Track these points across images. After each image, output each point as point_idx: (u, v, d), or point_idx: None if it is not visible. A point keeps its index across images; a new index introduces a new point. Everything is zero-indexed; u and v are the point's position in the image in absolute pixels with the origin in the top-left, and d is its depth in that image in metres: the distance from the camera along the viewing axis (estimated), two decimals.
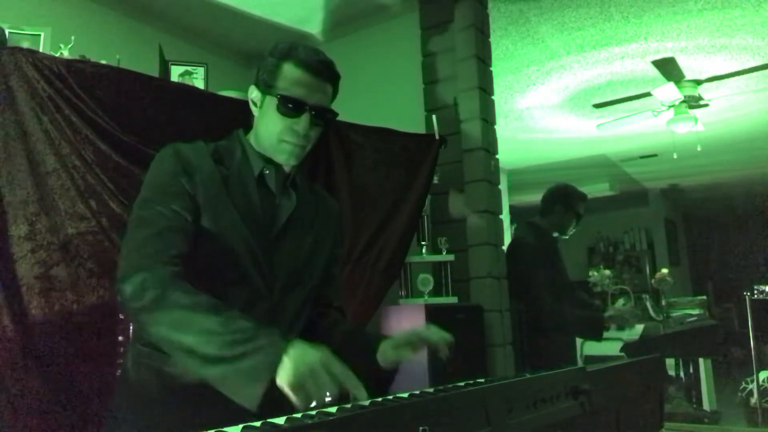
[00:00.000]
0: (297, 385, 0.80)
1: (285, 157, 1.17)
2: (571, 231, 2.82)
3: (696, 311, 4.55)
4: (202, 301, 0.96)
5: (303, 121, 1.13)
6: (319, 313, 1.30)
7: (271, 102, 1.14)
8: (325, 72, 1.15)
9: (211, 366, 0.89)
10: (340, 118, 1.27)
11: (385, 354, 1.13)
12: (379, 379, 1.12)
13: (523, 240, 2.81)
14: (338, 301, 1.36)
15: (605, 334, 2.69)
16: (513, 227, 5.87)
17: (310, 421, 0.60)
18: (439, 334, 1.12)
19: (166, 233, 1.04)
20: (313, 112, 1.14)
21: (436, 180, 2.54)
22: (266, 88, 1.16)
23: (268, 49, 1.18)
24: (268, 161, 1.19)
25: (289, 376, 0.81)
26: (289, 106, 1.12)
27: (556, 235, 2.81)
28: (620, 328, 2.83)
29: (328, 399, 0.76)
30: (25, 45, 1.72)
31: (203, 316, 0.92)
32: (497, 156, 2.83)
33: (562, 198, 2.79)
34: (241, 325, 0.91)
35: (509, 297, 2.69)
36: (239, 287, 1.11)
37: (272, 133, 1.15)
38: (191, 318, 0.93)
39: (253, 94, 1.20)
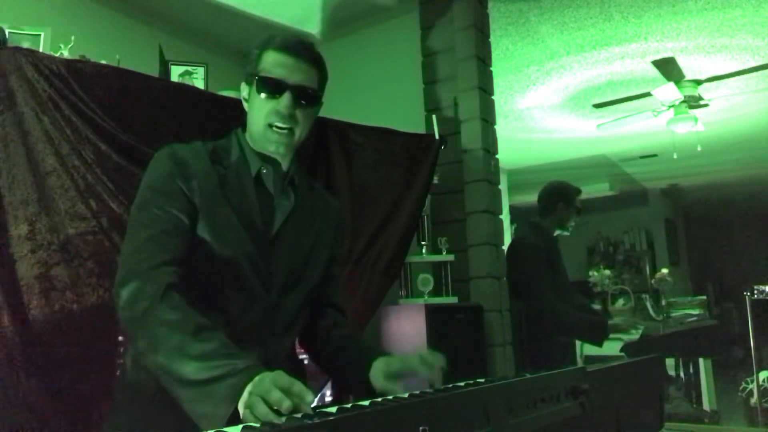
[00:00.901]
0: (248, 411, 0.80)
1: (274, 145, 1.16)
2: (573, 225, 2.85)
3: (696, 311, 4.55)
4: (184, 320, 0.94)
5: (285, 100, 1.13)
6: (319, 313, 1.30)
7: (254, 88, 1.16)
8: (302, 51, 1.16)
9: (180, 387, 0.88)
10: (340, 118, 1.28)
11: (375, 379, 1.12)
12: (370, 395, 1.12)
13: (526, 240, 2.82)
14: (338, 301, 1.35)
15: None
16: (513, 227, 5.87)
17: (310, 421, 0.60)
18: (430, 364, 1.09)
19: (163, 237, 1.04)
20: (296, 93, 1.14)
21: (436, 180, 2.54)
22: (250, 78, 1.17)
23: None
24: (266, 160, 1.18)
25: (244, 403, 0.81)
26: (269, 86, 1.13)
27: (557, 234, 2.83)
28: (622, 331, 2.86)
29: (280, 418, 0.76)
30: (25, 45, 1.72)
31: (181, 336, 0.91)
32: (497, 156, 2.83)
33: (562, 196, 2.82)
34: (215, 350, 0.90)
35: (509, 297, 2.69)
36: (236, 288, 1.11)
37: (258, 119, 1.15)
38: (169, 337, 0.92)
39: (244, 91, 1.21)
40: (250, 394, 0.81)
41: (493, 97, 2.89)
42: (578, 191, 2.88)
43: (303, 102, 1.15)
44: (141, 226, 1.06)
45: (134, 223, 1.08)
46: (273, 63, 1.14)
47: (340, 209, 1.40)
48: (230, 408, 0.82)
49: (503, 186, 3.79)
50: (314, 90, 1.18)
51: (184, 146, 1.15)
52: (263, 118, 1.14)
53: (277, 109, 1.13)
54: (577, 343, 3.12)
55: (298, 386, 0.80)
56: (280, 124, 1.14)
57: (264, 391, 0.79)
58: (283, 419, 0.73)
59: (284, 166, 1.21)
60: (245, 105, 1.21)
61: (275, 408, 0.77)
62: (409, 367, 1.12)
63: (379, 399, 0.82)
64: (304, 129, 1.18)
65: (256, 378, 0.83)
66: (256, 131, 1.17)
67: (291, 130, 1.16)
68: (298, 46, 1.16)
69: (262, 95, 1.14)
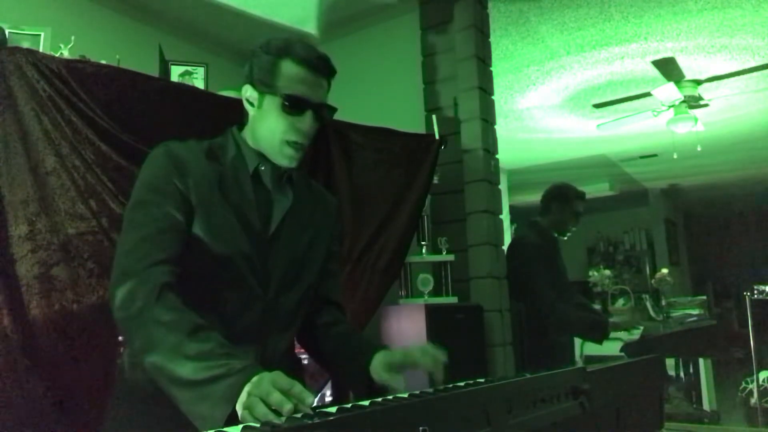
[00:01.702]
0: (246, 412, 0.79)
1: (287, 161, 1.15)
2: (571, 230, 2.83)
3: (696, 311, 4.55)
4: (180, 320, 0.93)
5: (307, 119, 1.12)
6: (318, 311, 1.29)
7: (272, 101, 1.13)
8: (323, 69, 1.15)
9: (177, 388, 0.88)
10: (340, 118, 1.28)
11: (376, 372, 1.12)
12: (371, 390, 1.11)
13: (525, 239, 2.81)
14: (337, 298, 1.35)
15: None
16: (513, 227, 5.88)
17: (310, 421, 0.60)
18: (432, 357, 1.09)
19: (158, 236, 1.03)
20: (317, 111, 1.14)
21: (436, 180, 2.54)
22: (265, 88, 1.14)
23: (259, 46, 1.16)
24: (264, 158, 1.17)
25: (243, 404, 0.80)
26: (294, 105, 1.11)
27: (556, 235, 2.82)
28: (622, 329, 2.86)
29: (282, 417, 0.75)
30: (25, 45, 1.72)
31: (177, 336, 0.91)
32: (497, 156, 2.83)
33: (558, 196, 2.81)
34: (212, 350, 0.89)
35: (509, 297, 2.69)
36: (234, 287, 1.10)
37: (274, 132, 1.13)
38: (165, 337, 0.91)
39: (248, 92, 1.17)
40: (249, 395, 0.80)
41: (493, 97, 2.89)
42: (580, 195, 2.83)
43: (320, 118, 1.16)
44: (136, 225, 1.05)
45: (129, 223, 1.07)
46: (294, 78, 1.12)
47: (340, 208, 1.39)
48: (228, 409, 0.81)
49: (503, 186, 3.79)
50: (332, 108, 1.18)
51: (180, 144, 1.14)
52: (281, 133, 1.13)
53: (297, 126, 1.12)
54: (577, 342, 3.12)
55: (297, 387, 0.79)
56: (299, 140, 1.14)
57: (264, 393, 0.78)
58: (283, 419, 0.73)
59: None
60: (250, 108, 1.18)
61: (274, 409, 0.77)
62: (411, 359, 1.11)
63: (379, 399, 0.82)
64: (313, 138, 1.19)
65: (255, 378, 0.82)
66: (269, 145, 1.15)
67: (303, 149, 1.16)
68: (320, 62, 1.14)
69: (284, 111, 1.12)
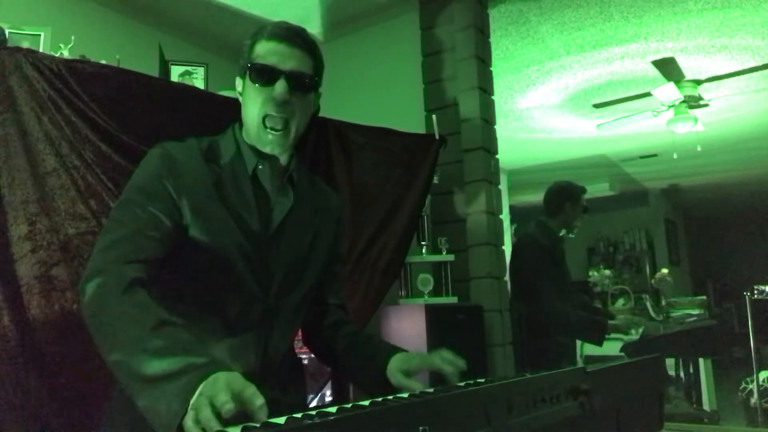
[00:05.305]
0: (193, 414, 0.74)
1: (269, 146, 1.13)
2: (579, 226, 2.86)
3: (696, 311, 4.55)
4: (145, 315, 0.89)
5: (279, 87, 1.09)
6: (322, 312, 1.29)
7: (248, 77, 1.13)
8: (294, 38, 1.13)
9: (136, 384, 0.83)
10: (340, 118, 1.27)
11: (394, 376, 1.11)
12: (387, 392, 1.10)
13: (532, 239, 2.82)
14: (341, 300, 1.34)
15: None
16: (513, 227, 5.88)
17: (310, 422, 0.60)
18: (453, 365, 1.08)
19: (137, 236, 1.01)
20: (290, 79, 1.11)
21: (436, 180, 2.54)
22: (243, 70, 1.15)
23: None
24: (263, 156, 1.15)
25: (192, 405, 0.76)
26: (262, 74, 1.10)
27: (562, 234, 2.84)
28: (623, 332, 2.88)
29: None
30: (25, 45, 1.72)
31: (139, 330, 0.87)
32: (497, 156, 2.83)
33: (569, 196, 2.83)
34: (173, 346, 0.84)
35: (510, 297, 2.69)
36: (233, 289, 1.09)
37: (253, 111, 1.12)
38: (127, 332, 0.87)
39: (239, 86, 1.18)
40: (200, 395, 0.76)
41: (493, 97, 2.89)
42: (584, 190, 2.89)
43: (298, 89, 1.12)
44: (117, 224, 1.03)
45: (111, 221, 1.05)
46: (265, 51, 1.12)
47: (341, 205, 1.38)
48: (182, 407, 0.76)
49: (503, 186, 3.80)
50: (310, 76, 1.14)
51: (177, 145, 1.12)
52: (258, 109, 1.11)
53: (272, 96, 1.10)
54: (578, 342, 3.12)
55: (250, 390, 0.75)
56: (275, 114, 1.11)
57: (212, 394, 0.74)
58: (283, 419, 0.72)
59: (282, 160, 1.18)
60: (239, 98, 1.18)
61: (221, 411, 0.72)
62: (430, 364, 1.11)
63: (379, 399, 0.82)
64: (301, 120, 1.15)
65: (210, 378, 0.78)
66: (252, 127, 1.14)
67: (286, 130, 1.12)
68: (289, 33, 1.13)
69: (256, 84, 1.11)
